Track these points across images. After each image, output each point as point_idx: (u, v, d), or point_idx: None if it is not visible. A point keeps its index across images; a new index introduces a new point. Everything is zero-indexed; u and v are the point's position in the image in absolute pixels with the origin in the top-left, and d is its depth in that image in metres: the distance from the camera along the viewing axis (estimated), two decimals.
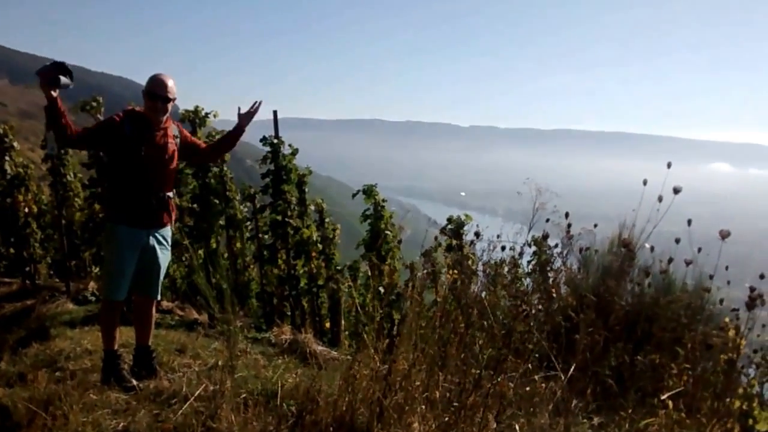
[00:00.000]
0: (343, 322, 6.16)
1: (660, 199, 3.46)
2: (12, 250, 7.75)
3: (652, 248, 3.87)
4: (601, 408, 3.16)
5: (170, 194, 3.75)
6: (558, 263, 4.27)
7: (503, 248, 4.02)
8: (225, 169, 5.96)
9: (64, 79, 3.23)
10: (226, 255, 6.22)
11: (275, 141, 5.71)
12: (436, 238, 5.25)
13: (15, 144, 7.58)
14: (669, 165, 3.67)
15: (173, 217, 3.83)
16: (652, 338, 3.53)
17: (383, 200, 5.81)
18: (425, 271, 4.19)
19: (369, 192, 5.78)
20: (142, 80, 3.73)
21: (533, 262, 5.46)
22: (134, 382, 3.61)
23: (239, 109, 3.97)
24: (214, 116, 5.90)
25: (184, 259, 6.41)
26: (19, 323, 5.59)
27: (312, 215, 6.17)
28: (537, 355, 2.90)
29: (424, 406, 2.57)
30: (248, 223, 6.15)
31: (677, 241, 3.62)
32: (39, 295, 6.52)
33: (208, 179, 5.81)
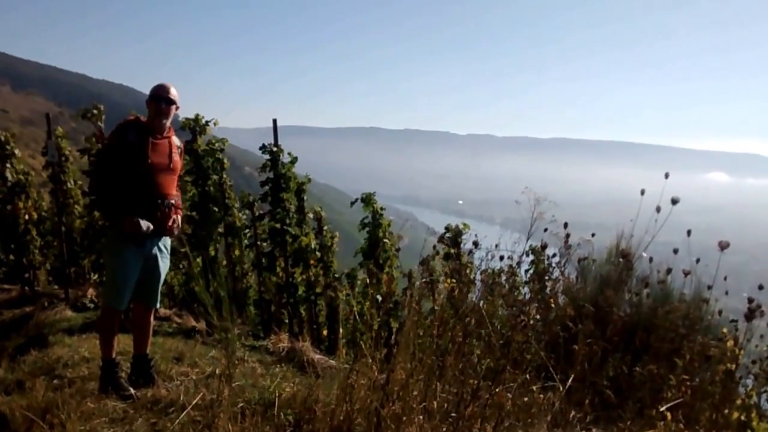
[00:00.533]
0: (340, 330, 6.15)
1: (658, 209, 3.48)
2: (12, 257, 7.74)
3: (650, 258, 3.89)
4: (600, 419, 3.16)
5: (173, 201, 3.71)
6: (556, 273, 4.27)
7: (501, 257, 4.02)
8: (224, 176, 5.96)
9: (144, 223, 3.54)
10: (224, 262, 6.21)
11: (274, 149, 5.71)
12: (434, 246, 5.25)
13: (16, 151, 7.59)
14: (667, 175, 3.70)
15: (180, 218, 3.79)
16: (651, 349, 3.53)
17: (381, 208, 5.82)
18: (423, 280, 4.18)
19: (367, 200, 5.79)
20: (142, 88, 3.76)
21: (531, 272, 5.47)
22: (132, 391, 3.60)
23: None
24: (215, 124, 5.91)
25: (181, 266, 6.40)
26: (17, 330, 5.58)
27: (310, 223, 6.17)
28: (535, 366, 2.90)
29: (421, 417, 2.56)
30: (247, 230, 6.15)
31: (675, 251, 3.64)
32: (38, 302, 6.50)
33: (207, 187, 5.81)
